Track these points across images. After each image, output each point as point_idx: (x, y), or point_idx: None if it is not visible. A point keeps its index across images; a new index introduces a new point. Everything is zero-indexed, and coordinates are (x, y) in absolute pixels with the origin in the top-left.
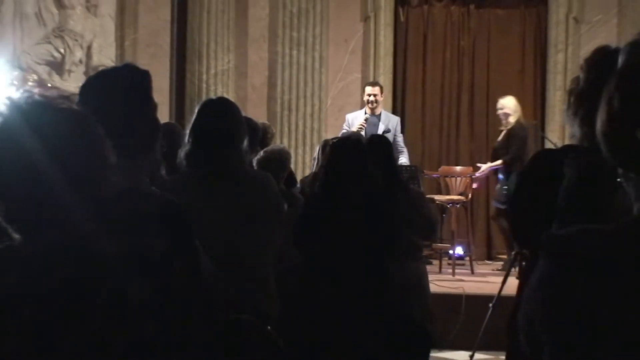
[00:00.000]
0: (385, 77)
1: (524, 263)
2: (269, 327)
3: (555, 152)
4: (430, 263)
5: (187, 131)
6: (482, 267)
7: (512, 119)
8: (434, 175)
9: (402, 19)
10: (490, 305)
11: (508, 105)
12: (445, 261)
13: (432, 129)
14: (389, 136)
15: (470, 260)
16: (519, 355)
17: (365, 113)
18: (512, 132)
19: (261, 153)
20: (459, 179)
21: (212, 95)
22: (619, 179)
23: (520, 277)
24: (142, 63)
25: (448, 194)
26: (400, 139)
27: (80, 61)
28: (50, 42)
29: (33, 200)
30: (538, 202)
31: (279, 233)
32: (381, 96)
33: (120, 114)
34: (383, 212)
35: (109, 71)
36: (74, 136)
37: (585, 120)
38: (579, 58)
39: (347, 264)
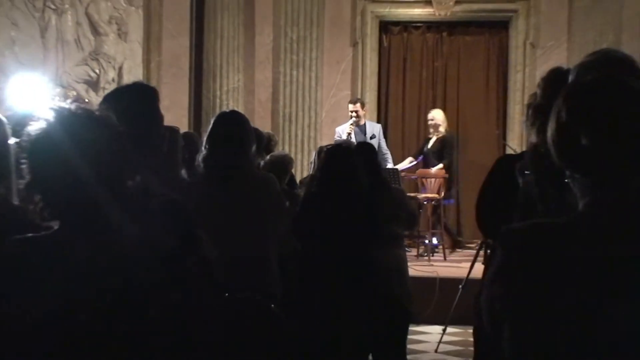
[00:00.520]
0: (371, 93)
1: (489, 251)
2: (272, 305)
3: (515, 157)
4: (410, 251)
5: (204, 138)
6: (453, 255)
7: (441, 129)
8: (412, 177)
9: (385, 44)
10: (460, 286)
11: (437, 117)
12: (422, 249)
13: (411, 136)
14: (374, 142)
15: (443, 249)
16: (484, 330)
17: (351, 125)
18: (444, 140)
19: (267, 158)
20: (433, 180)
21: (225, 109)
22: (566, 180)
23: (485, 262)
24: (165, 82)
25: (425, 192)
26: (383, 143)
27: (113, 80)
28: (87, 64)
29: (70, 195)
30: (500, 199)
31: (281, 224)
32: (362, 110)
33: (131, 122)
34: (369, 207)
35: (122, 87)
36: (106, 139)
37: (541, 130)
38: (535, 77)
39: (339, 251)
